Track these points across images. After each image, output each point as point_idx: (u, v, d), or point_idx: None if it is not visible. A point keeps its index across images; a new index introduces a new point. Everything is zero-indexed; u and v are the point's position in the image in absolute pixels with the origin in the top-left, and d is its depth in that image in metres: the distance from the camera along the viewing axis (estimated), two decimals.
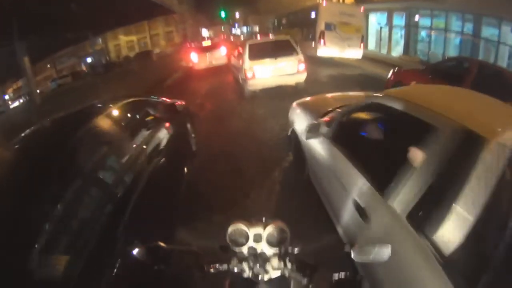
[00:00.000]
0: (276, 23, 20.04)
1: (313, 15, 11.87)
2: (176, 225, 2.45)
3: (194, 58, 12.73)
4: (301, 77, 7.42)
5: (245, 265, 0.91)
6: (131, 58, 30.63)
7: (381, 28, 17.72)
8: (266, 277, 0.91)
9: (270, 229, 0.93)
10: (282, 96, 7.09)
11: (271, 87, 7.40)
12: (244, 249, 0.93)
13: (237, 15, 64.89)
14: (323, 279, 0.91)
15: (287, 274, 0.91)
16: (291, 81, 7.40)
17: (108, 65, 29.17)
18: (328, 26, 10.87)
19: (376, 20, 18.36)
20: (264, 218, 0.99)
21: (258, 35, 19.32)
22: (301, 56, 7.33)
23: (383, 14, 17.53)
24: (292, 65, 7.22)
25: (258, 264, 0.89)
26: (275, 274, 0.92)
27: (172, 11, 33.00)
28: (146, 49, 35.98)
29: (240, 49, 8.33)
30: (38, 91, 26.73)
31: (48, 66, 30.58)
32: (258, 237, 0.92)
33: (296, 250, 0.93)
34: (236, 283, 0.95)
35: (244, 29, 60.77)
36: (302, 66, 7.29)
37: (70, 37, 25.36)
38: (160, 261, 0.98)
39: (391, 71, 7.21)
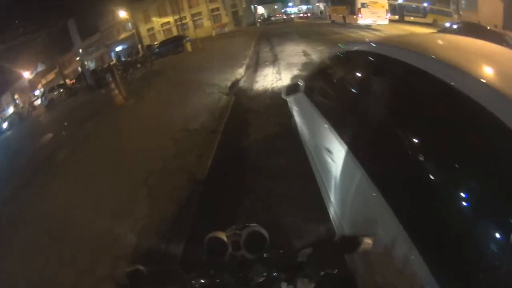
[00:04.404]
0: (330, 2, 25.71)
1: None
2: None
3: None
4: None
5: (228, 275, 0.90)
6: (142, 57, 20.04)
7: None
8: (251, 284, 0.90)
9: (247, 234, 0.90)
10: None
11: None
12: (225, 258, 0.92)
13: None
14: (310, 279, 0.87)
15: (271, 278, 0.91)
16: None
17: (103, 73, 17.17)
18: (363, 5, 17.78)
19: None
20: (241, 225, 0.96)
21: None
22: None
23: None
24: None
25: (241, 272, 0.90)
26: (259, 279, 0.90)
27: None
28: (186, 32, 30.11)
29: None
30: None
31: (77, 59, 26.42)
32: (236, 245, 0.91)
33: (278, 251, 0.94)
34: None
35: (304, 7, 52.56)
36: None
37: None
38: (142, 285, 0.90)
39: None
